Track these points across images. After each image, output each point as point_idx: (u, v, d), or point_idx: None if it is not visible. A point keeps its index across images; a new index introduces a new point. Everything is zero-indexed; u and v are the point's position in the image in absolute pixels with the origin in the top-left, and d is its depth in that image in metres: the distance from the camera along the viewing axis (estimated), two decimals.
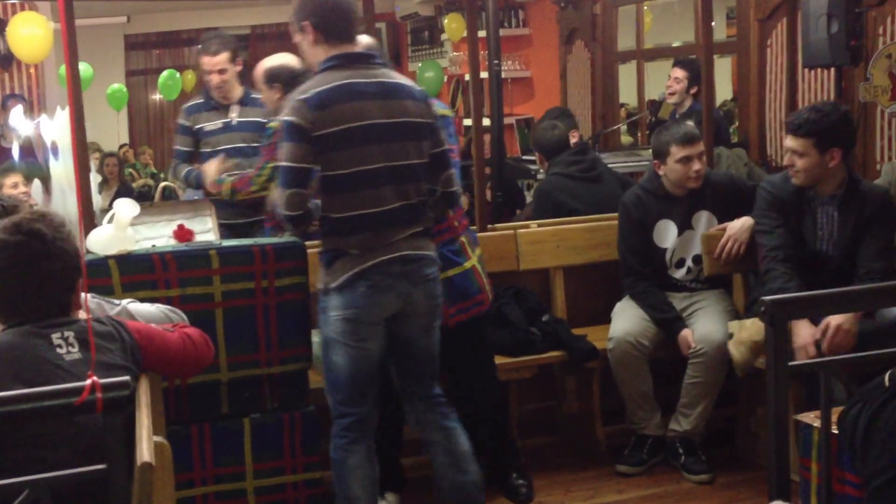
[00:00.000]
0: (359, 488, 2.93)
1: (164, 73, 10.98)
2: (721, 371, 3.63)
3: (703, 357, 3.62)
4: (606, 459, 3.82)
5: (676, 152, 3.74)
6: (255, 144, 4.02)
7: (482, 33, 5.31)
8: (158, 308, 2.64)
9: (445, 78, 8.98)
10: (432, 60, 9.42)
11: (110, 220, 3.00)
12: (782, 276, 3.40)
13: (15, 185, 4.39)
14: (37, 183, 4.59)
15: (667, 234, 3.85)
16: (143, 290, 2.91)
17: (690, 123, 4.03)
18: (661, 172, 3.82)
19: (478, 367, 3.46)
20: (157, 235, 3.62)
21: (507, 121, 6.95)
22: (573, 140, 4.63)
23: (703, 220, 3.85)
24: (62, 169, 4.73)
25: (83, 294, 2.24)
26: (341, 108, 2.78)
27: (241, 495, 3.10)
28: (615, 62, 7.74)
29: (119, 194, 6.25)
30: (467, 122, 7.31)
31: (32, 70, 8.48)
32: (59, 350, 2.11)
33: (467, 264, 3.33)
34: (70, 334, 2.14)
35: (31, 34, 6.67)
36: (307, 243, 3.35)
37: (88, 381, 1.67)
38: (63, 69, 3.48)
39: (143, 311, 2.59)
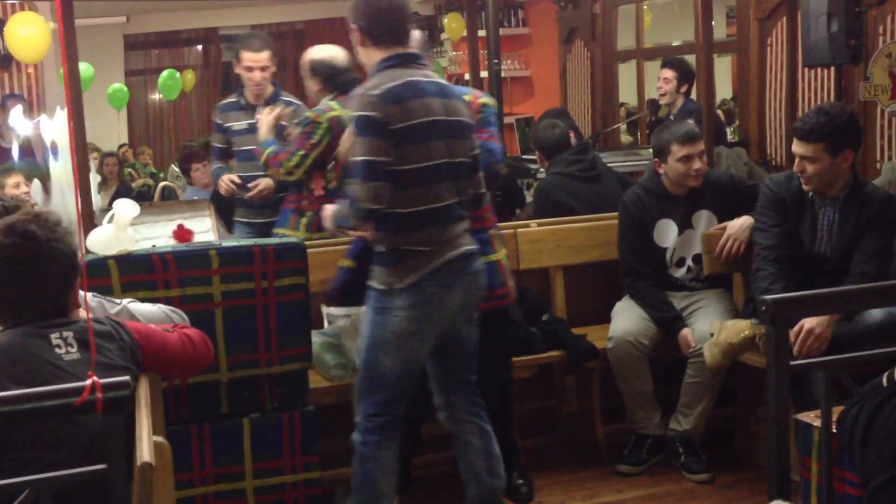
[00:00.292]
0: (387, 485, 2.96)
1: (164, 73, 10.98)
2: (721, 371, 3.63)
3: (703, 356, 3.61)
4: (606, 459, 3.83)
5: (677, 151, 3.74)
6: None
7: (482, 33, 5.31)
8: (159, 308, 2.64)
9: (445, 77, 8.98)
10: (433, 60, 9.42)
11: (110, 221, 3.00)
12: (768, 278, 3.39)
13: (17, 186, 4.39)
14: (36, 183, 4.59)
15: (667, 233, 3.85)
16: (142, 291, 2.91)
17: (691, 122, 4.03)
18: (661, 171, 3.82)
19: (491, 361, 3.41)
20: (157, 235, 3.63)
21: (506, 120, 6.95)
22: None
23: (704, 220, 3.85)
24: (62, 169, 4.72)
25: (83, 293, 2.23)
26: (412, 104, 2.82)
27: (240, 495, 3.09)
28: (615, 61, 7.75)
29: (118, 194, 6.25)
30: None
31: (31, 70, 8.48)
32: (58, 350, 2.11)
33: (493, 256, 3.37)
34: (69, 334, 2.14)
35: (29, 34, 6.67)
36: (307, 243, 3.35)
37: (88, 382, 1.66)
38: (67, 69, 3.49)
39: (144, 310, 2.59)
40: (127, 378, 1.72)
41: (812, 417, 2.41)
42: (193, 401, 3.05)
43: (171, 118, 12.85)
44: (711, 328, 3.56)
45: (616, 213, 3.97)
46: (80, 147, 3.62)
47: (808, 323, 3.26)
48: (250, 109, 4.40)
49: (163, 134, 12.84)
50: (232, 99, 4.53)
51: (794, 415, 2.57)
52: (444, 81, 3.03)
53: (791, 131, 3.63)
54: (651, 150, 4.15)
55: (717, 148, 4.80)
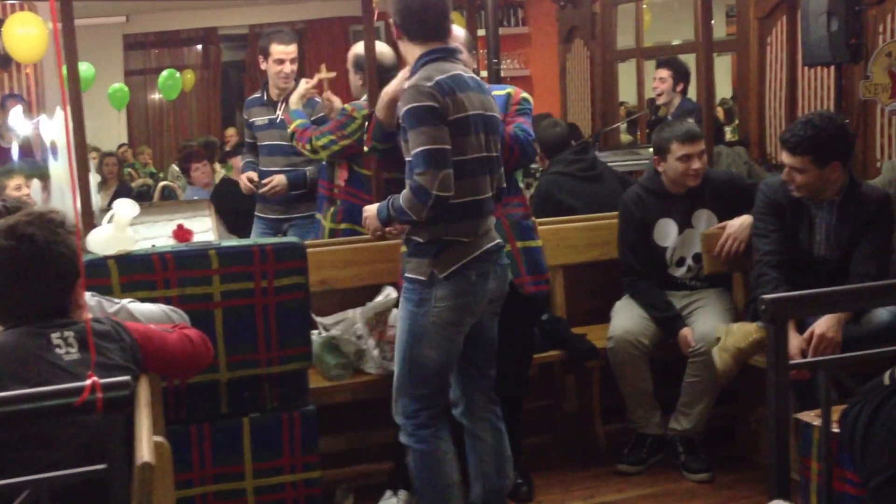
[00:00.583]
0: (454, 472, 2.98)
1: (164, 73, 10.98)
2: (732, 376, 3.62)
3: (703, 356, 3.61)
4: (606, 458, 3.82)
5: (677, 150, 3.74)
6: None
7: (481, 32, 5.31)
8: (159, 307, 2.64)
9: None
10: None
11: (110, 220, 2.99)
12: (771, 283, 3.39)
13: (18, 188, 4.38)
14: (36, 182, 4.59)
15: (667, 232, 3.85)
16: (142, 290, 2.91)
17: (691, 121, 4.03)
18: (660, 169, 3.82)
19: (517, 347, 3.42)
20: (157, 235, 3.62)
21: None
22: None
23: (704, 219, 3.85)
24: (62, 169, 4.72)
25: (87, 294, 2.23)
26: (459, 97, 2.85)
27: (240, 495, 3.09)
28: (614, 61, 7.75)
29: (118, 194, 6.25)
30: None
31: (28, 70, 8.48)
32: (58, 350, 2.11)
33: (538, 242, 3.44)
34: (70, 334, 2.14)
35: (27, 34, 6.67)
36: (307, 243, 3.35)
37: (88, 381, 1.66)
38: (65, 69, 3.49)
39: (144, 310, 2.58)
40: (127, 378, 1.72)
41: (812, 417, 2.41)
42: (193, 401, 3.04)
43: (170, 118, 12.85)
44: (717, 332, 3.56)
45: (616, 213, 3.96)
46: (80, 147, 3.62)
47: (819, 328, 3.26)
48: (271, 105, 4.48)
49: (162, 134, 12.83)
50: (256, 95, 4.63)
51: (794, 414, 2.58)
52: (477, 77, 3.07)
53: (779, 141, 3.61)
54: (651, 149, 4.15)
55: (717, 147, 4.81)
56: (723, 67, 7.36)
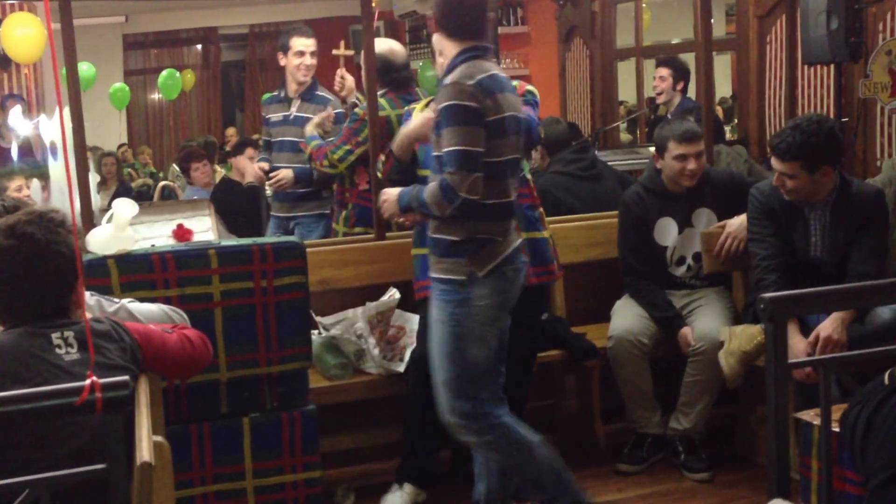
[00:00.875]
0: (530, 435, 2.95)
1: (164, 73, 10.98)
2: (720, 369, 3.63)
3: (703, 355, 3.61)
4: (606, 458, 3.82)
5: (674, 148, 3.74)
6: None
7: None
8: (159, 307, 2.64)
9: None
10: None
11: (109, 220, 2.99)
12: (771, 287, 3.38)
13: (19, 189, 4.38)
14: (35, 182, 4.59)
15: (667, 231, 3.85)
16: (142, 290, 2.91)
17: (691, 119, 4.02)
18: (658, 166, 3.83)
19: (523, 339, 3.40)
20: (157, 235, 3.62)
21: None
22: None
23: (704, 218, 3.85)
24: (62, 169, 4.73)
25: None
26: (499, 98, 2.83)
27: (240, 495, 3.09)
28: (614, 60, 7.74)
29: (118, 194, 6.26)
30: None
31: (27, 70, 8.48)
32: (58, 350, 2.11)
33: (545, 233, 3.44)
34: (70, 334, 2.13)
35: (25, 34, 6.67)
36: (307, 242, 3.35)
37: (88, 381, 1.66)
38: (65, 69, 3.49)
39: (144, 310, 2.58)
40: (126, 378, 1.72)
41: (812, 416, 2.41)
42: (193, 400, 3.04)
43: (170, 118, 12.85)
44: (720, 335, 3.56)
45: (615, 212, 3.96)
46: (80, 147, 3.62)
47: (825, 331, 3.26)
48: (287, 102, 4.57)
49: (162, 134, 12.84)
50: (274, 93, 4.72)
51: (794, 413, 2.58)
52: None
53: (768, 147, 3.61)
54: (651, 147, 4.15)
55: (717, 146, 4.80)
56: (722, 66, 7.36)
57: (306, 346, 3.17)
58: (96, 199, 4.59)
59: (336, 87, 4.36)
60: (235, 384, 3.08)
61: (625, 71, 7.81)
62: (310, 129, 4.20)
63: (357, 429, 3.78)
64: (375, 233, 3.88)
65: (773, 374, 1.97)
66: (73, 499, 1.83)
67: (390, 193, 3.07)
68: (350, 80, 4.29)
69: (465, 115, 2.76)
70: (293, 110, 4.51)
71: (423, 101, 3.61)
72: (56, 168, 4.68)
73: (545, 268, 3.41)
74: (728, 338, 3.52)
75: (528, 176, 3.41)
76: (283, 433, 3.11)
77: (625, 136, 8.04)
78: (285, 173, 4.43)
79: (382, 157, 3.44)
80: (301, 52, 4.47)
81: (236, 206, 5.40)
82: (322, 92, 4.54)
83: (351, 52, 4.30)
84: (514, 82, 3.44)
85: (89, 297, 2.49)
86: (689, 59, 6.10)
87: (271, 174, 4.48)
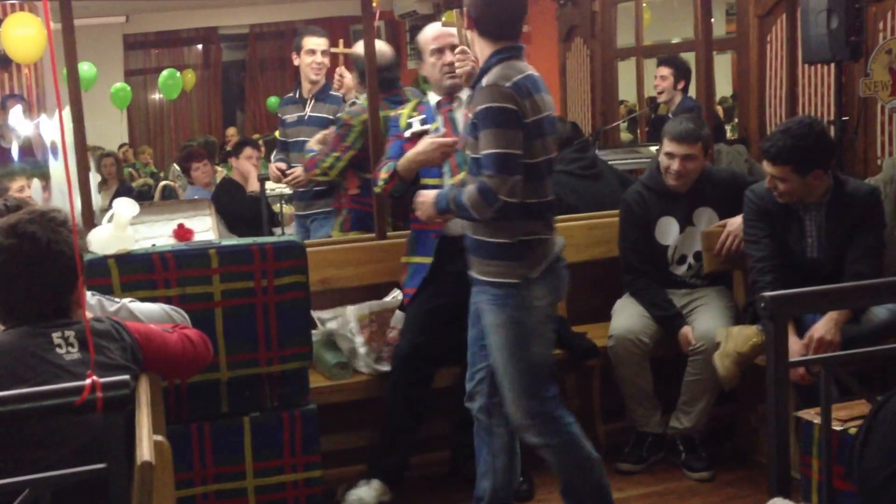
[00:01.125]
0: (588, 447, 2.98)
1: (165, 73, 10.99)
2: (734, 380, 3.61)
3: (704, 354, 3.61)
4: (607, 457, 3.78)
5: (666, 145, 3.78)
6: None
7: None
8: (160, 307, 2.64)
9: None
10: None
11: (110, 220, 2.99)
12: (768, 287, 3.37)
13: (21, 189, 4.38)
14: (36, 182, 4.60)
15: (668, 230, 3.85)
16: (142, 290, 2.91)
17: (688, 116, 4.02)
18: (659, 159, 3.85)
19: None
20: (157, 234, 3.63)
21: None
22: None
23: (705, 217, 3.85)
24: (62, 169, 4.73)
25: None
26: (536, 99, 2.83)
27: (241, 494, 3.09)
28: (614, 59, 7.74)
29: (119, 194, 6.26)
30: None
31: (27, 70, 8.49)
32: (58, 350, 2.11)
33: None
34: (70, 334, 2.13)
35: (25, 34, 6.68)
36: (307, 242, 3.35)
37: (88, 381, 1.66)
38: (67, 69, 3.49)
39: (145, 309, 2.58)
40: (127, 377, 1.72)
41: (812, 415, 2.41)
42: (194, 400, 3.05)
43: (171, 118, 12.87)
44: (717, 336, 3.55)
45: (616, 211, 3.96)
46: (80, 147, 3.62)
47: (818, 332, 3.26)
48: (301, 103, 4.64)
49: (163, 133, 12.85)
50: (290, 94, 4.79)
51: (794, 412, 2.57)
52: None
53: (759, 150, 3.61)
54: (651, 147, 4.15)
55: (717, 145, 4.80)
56: (723, 65, 7.35)
57: (307, 345, 3.17)
58: (97, 199, 4.60)
59: (335, 86, 4.40)
60: (236, 384, 3.08)
61: (625, 70, 7.81)
62: (312, 143, 4.21)
63: (358, 428, 3.78)
64: (376, 233, 3.89)
65: (774, 373, 1.97)
66: (73, 498, 1.83)
67: (427, 196, 3.06)
68: (349, 78, 4.31)
69: (502, 118, 2.75)
70: (308, 110, 4.57)
71: (412, 104, 3.60)
72: (57, 168, 4.69)
73: None
74: (724, 339, 3.52)
75: None
76: (284, 433, 3.11)
77: (625, 136, 8.04)
78: (300, 170, 4.44)
79: (384, 175, 3.43)
80: (312, 50, 4.52)
81: (238, 207, 5.41)
82: (336, 92, 4.57)
83: (350, 50, 4.32)
84: None
85: (91, 297, 2.50)
86: (689, 58, 6.11)
87: (286, 171, 4.50)
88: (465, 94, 3.43)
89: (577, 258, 4.07)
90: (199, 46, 12.88)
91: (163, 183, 7.10)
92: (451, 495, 3.56)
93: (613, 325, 3.77)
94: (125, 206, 2.98)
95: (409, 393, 3.43)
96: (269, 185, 5.45)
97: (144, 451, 1.86)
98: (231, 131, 11.46)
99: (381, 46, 4.00)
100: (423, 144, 3.28)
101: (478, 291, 2.95)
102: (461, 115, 3.42)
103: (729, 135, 6.72)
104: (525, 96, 2.78)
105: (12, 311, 2.16)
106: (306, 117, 4.57)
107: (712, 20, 4.42)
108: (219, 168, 7.62)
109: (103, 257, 2.94)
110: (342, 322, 3.58)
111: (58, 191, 4.71)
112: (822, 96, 5.37)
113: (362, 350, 3.55)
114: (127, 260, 2.95)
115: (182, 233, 3.59)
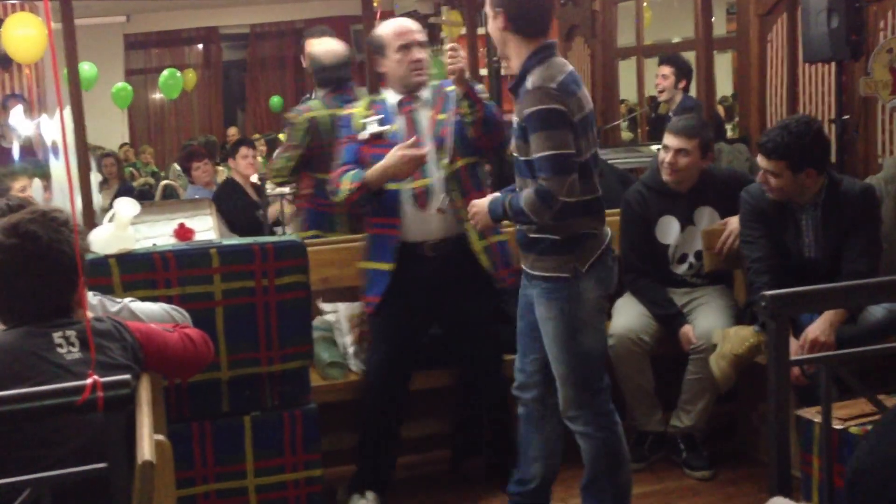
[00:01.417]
0: (629, 471, 3.07)
1: (165, 73, 10.99)
2: (730, 382, 3.61)
3: (704, 353, 3.61)
4: None
5: (664, 138, 3.79)
6: None
7: (482, 31, 5.31)
8: (161, 306, 2.64)
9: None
10: (434, 57, 9.38)
11: (111, 219, 3.00)
12: (764, 287, 3.35)
13: (23, 189, 4.39)
14: (37, 182, 4.60)
15: (669, 229, 3.85)
16: (143, 290, 2.91)
17: (692, 116, 4.03)
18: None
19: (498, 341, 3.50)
20: (158, 234, 3.63)
21: (505, 118, 6.94)
22: None
23: (706, 216, 3.85)
24: (63, 169, 4.74)
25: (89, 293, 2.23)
26: (579, 95, 2.84)
27: (242, 493, 3.10)
28: (615, 58, 7.74)
29: (119, 193, 6.26)
30: None
31: (27, 70, 8.49)
32: (59, 350, 2.11)
33: (506, 236, 3.44)
34: (72, 334, 2.14)
35: (26, 34, 6.68)
36: (306, 241, 3.35)
37: (89, 380, 1.66)
38: (68, 69, 3.50)
39: (146, 309, 2.58)
40: (128, 377, 1.72)
41: (813, 413, 2.41)
42: (194, 399, 3.05)
43: (171, 117, 12.87)
44: (714, 338, 3.55)
45: (616, 210, 3.96)
46: (81, 147, 3.62)
47: (812, 333, 3.26)
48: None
49: (164, 133, 12.86)
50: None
51: (794, 411, 2.58)
52: None
53: (755, 145, 3.61)
54: (652, 146, 4.15)
55: (718, 144, 4.80)
56: (723, 65, 7.35)
57: (307, 344, 3.17)
58: (98, 199, 4.60)
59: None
60: (236, 383, 3.08)
61: (626, 70, 7.81)
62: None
63: (354, 428, 3.77)
64: None
65: (775, 371, 1.97)
66: (74, 498, 1.83)
67: (480, 206, 3.03)
68: None
69: (552, 119, 2.75)
70: None
71: (365, 102, 3.52)
72: (58, 168, 4.69)
73: (513, 269, 3.40)
74: (721, 340, 3.52)
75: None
76: (285, 432, 3.11)
77: (626, 135, 8.04)
78: None
79: (349, 185, 3.30)
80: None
81: (239, 207, 5.41)
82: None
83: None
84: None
85: (92, 297, 2.50)
86: (690, 57, 6.10)
87: None
88: (426, 93, 3.40)
89: None
90: (200, 46, 12.88)
91: (164, 182, 7.10)
92: (450, 495, 3.56)
93: (614, 324, 3.77)
94: (126, 206, 2.98)
95: (385, 402, 3.43)
96: (269, 185, 5.46)
97: (145, 450, 1.87)
98: (232, 131, 11.48)
99: (333, 44, 3.99)
100: (393, 158, 3.20)
101: (528, 285, 3.01)
102: (424, 116, 3.38)
103: (730, 134, 6.72)
104: (570, 95, 2.79)
105: (13, 311, 2.16)
106: None
107: (713, 19, 4.43)
108: (219, 168, 7.63)
109: (104, 257, 2.94)
110: (339, 316, 3.61)
111: (59, 190, 4.71)
112: (823, 95, 5.37)
113: (351, 350, 3.56)
114: (128, 259, 2.95)
115: (183, 232, 3.60)
